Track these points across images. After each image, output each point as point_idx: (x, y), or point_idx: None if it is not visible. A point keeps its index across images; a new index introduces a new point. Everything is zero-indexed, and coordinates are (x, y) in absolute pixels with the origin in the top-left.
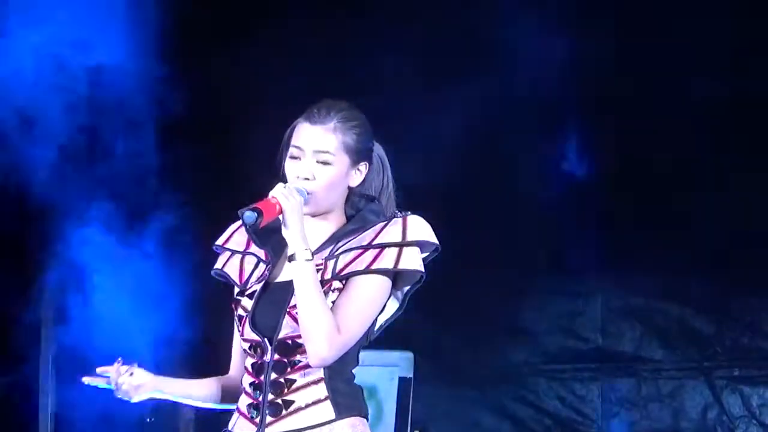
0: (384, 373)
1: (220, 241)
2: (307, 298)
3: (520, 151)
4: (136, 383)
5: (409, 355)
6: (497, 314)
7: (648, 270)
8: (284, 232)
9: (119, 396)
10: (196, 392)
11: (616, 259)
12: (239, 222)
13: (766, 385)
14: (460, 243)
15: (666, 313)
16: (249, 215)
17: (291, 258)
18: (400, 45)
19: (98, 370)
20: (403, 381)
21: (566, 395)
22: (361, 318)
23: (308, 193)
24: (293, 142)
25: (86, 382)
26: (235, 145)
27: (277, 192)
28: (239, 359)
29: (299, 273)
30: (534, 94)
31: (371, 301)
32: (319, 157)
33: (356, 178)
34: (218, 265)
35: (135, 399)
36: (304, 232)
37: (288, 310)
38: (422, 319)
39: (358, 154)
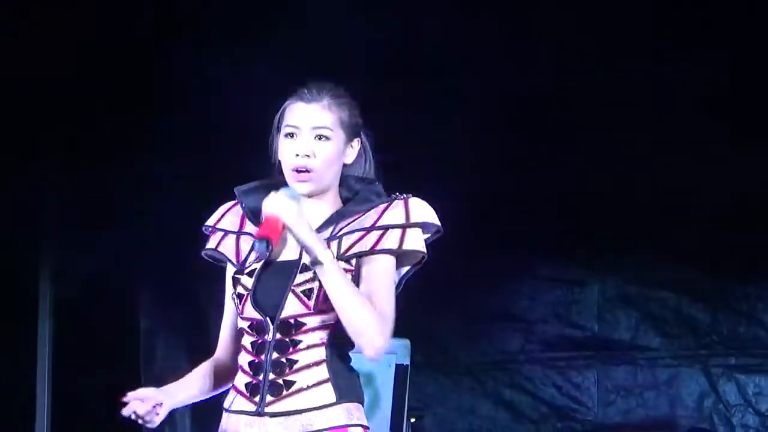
0: (381, 360)
1: (211, 222)
2: (348, 300)
3: (517, 141)
4: (159, 412)
5: (406, 342)
6: (494, 302)
7: (644, 258)
8: (297, 242)
9: (141, 423)
10: (197, 388)
11: (613, 248)
12: (231, 203)
13: (762, 373)
14: (458, 231)
15: (662, 302)
16: (262, 247)
17: (314, 263)
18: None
19: (127, 397)
20: (400, 368)
21: (562, 383)
22: (391, 300)
23: (307, 171)
24: (288, 122)
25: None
26: None
27: (271, 208)
28: (230, 339)
29: (330, 275)
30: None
31: (391, 281)
32: (318, 133)
33: (350, 154)
34: (211, 245)
35: (156, 423)
36: (314, 231)
37: (292, 288)
38: (419, 307)
39: (352, 129)
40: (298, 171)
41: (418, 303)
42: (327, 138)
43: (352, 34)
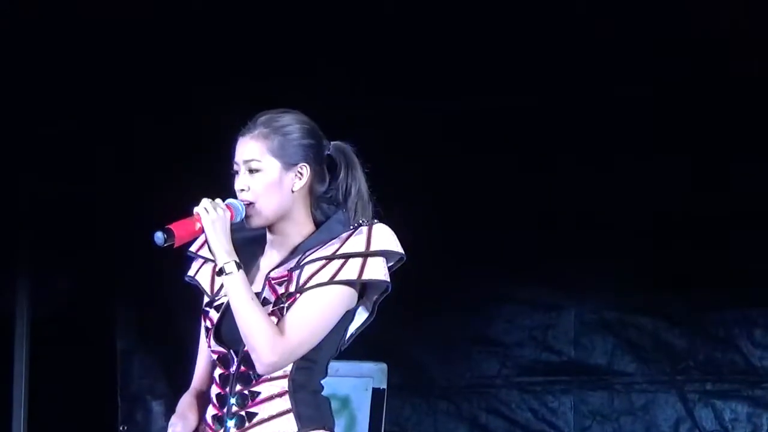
0: (358, 383)
1: (193, 248)
2: (242, 308)
3: (495, 164)
4: None
5: (383, 366)
6: (471, 326)
7: (620, 283)
8: (208, 247)
9: None
10: (195, 418)
11: (589, 272)
12: None
13: (738, 399)
14: (435, 254)
15: (639, 327)
16: (158, 236)
17: (219, 272)
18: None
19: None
20: (376, 392)
21: (539, 408)
22: (309, 324)
23: (247, 204)
24: (233, 158)
25: None
26: None
27: (200, 207)
28: (204, 370)
29: (229, 285)
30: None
31: (325, 309)
32: (248, 166)
33: (297, 181)
34: (191, 272)
35: None
36: (229, 244)
37: None
38: (396, 331)
39: (290, 156)
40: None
41: (394, 326)
42: (257, 170)
43: None
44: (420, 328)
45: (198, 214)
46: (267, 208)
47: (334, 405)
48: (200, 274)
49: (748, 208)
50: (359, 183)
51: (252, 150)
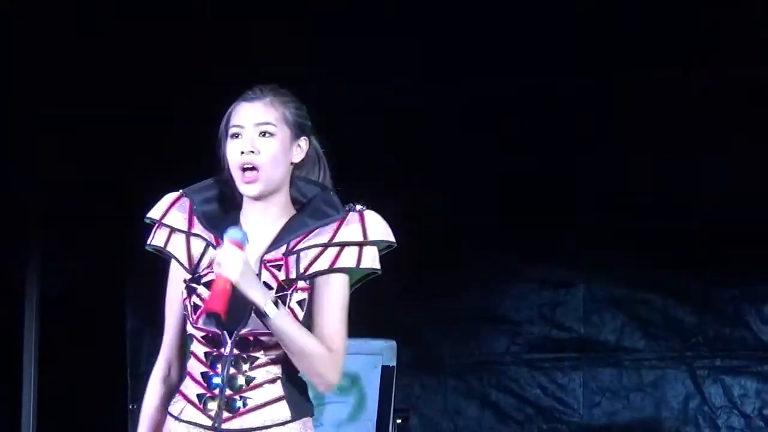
0: (367, 361)
1: (155, 215)
2: (297, 343)
3: (506, 143)
4: None
5: (393, 343)
6: (480, 303)
7: (630, 260)
8: (244, 295)
9: None
10: (161, 417)
11: (599, 249)
12: (176, 194)
13: (747, 375)
14: (443, 232)
15: (648, 303)
16: (209, 321)
17: (263, 315)
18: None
19: None
20: (386, 369)
21: (548, 384)
22: (342, 321)
23: (250, 168)
24: (233, 122)
25: None
26: None
27: (216, 267)
28: (180, 344)
29: (278, 324)
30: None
31: (344, 301)
32: (262, 129)
33: (297, 153)
34: (158, 242)
35: None
36: (259, 282)
37: (253, 307)
38: (405, 308)
39: (298, 128)
40: (244, 170)
41: (403, 304)
42: (271, 134)
43: None
44: (429, 306)
45: (219, 274)
46: (272, 176)
47: (344, 382)
48: (172, 245)
49: (754, 186)
50: (327, 173)
51: (267, 114)
